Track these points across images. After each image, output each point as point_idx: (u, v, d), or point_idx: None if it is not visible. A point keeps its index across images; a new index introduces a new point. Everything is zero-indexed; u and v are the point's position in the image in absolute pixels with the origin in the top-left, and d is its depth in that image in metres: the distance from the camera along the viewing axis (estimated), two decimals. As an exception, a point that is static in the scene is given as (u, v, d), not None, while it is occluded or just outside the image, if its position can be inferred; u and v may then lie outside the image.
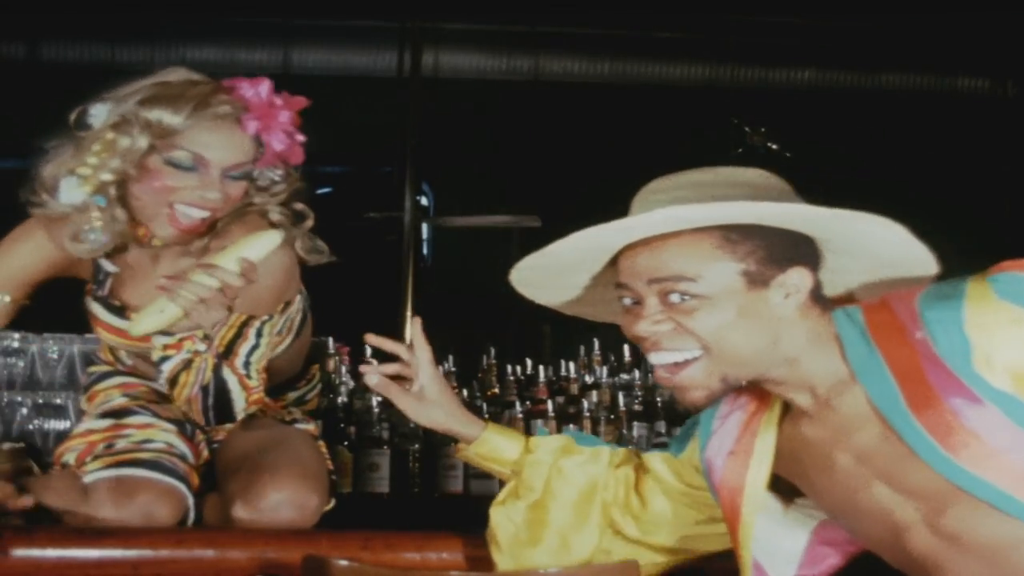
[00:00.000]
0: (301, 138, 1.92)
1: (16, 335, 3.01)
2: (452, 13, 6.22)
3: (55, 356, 3.00)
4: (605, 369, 3.76)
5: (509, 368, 3.76)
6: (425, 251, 7.16)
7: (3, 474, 1.94)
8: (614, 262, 1.54)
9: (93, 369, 2.22)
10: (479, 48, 6.77)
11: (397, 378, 1.75)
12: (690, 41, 6.82)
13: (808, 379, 1.46)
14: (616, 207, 1.57)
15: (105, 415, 2.00)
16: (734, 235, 1.43)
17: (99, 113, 1.84)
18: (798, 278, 1.45)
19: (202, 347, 1.85)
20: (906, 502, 1.41)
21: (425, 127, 5.80)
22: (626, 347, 3.82)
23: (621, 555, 1.65)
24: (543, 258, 1.56)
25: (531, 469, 1.71)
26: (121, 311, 2.00)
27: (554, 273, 1.60)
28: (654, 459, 1.72)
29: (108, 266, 1.98)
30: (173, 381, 1.88)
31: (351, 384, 3.53)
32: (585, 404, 3.48)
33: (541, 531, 1.67)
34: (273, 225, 1.95)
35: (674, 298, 1.43)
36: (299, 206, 2.01)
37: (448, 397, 1.76)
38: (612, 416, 3.49)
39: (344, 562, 1.56)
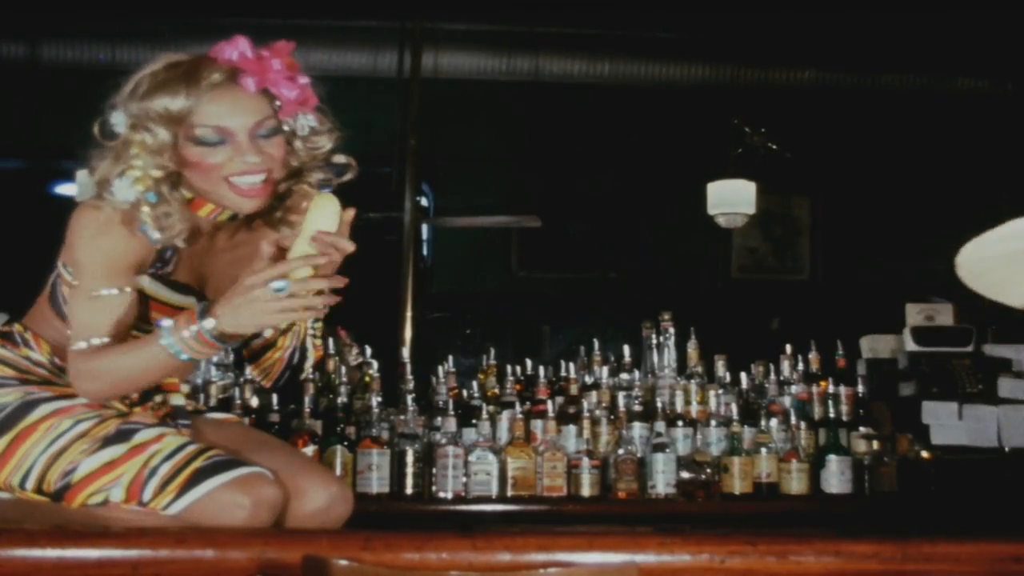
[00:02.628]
0: (305, 80, 1.90)
1: (16, 335, 3.00)
2: (452, 13, 6.21)
3: (55, 356, 2.99)
4: (605, 369, 3.76)
5: (509, 368, 3.76)
6: (425, 251, 7.16)
7: None
8: None
9: None
10: (479, 48, 6.77)
11: None
12: (690, 41, 6.82)
13: None
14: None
15: (107, 443, 1.87)
16: None
17: (118, 119, 1.85)
18: None
19: None
20: None
21: (425, 127, 5.80)
22: (626, 347, 3.83)
23: None
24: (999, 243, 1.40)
25: None
26: (184, 288, 1.95)
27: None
28: None
29: (179, 241, 1.92)
30: (269, 345, 1.96)
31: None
32: (585, 404, 3.49)
33: None
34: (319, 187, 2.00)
35: None
36: (341, 158, 2.00)
37: None
38: (612, 416, 3.50)
39: (344, 562, 1.55)
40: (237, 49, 1.87)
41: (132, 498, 1.84)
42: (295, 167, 1.94)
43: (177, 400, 2.05)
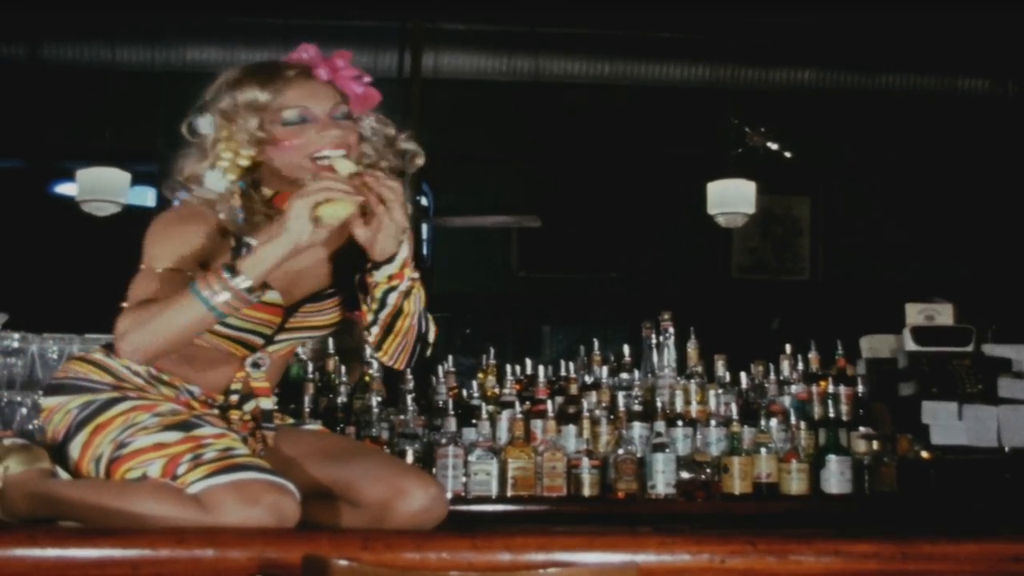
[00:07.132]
0: (368, 78, 2.07)
1: (16, 335, 3.00)
2: (452, 13, 6.22)
3: (55, 356, 2.99)
4: (605, 369, 3.76)
5: (509, 368, 3.76)
6: (425, 251, 7.17)
7: (46, 473, 1.94)
8: None
9: (85, 400, 1.98)
10: (479, 48, 6.78)
11: None
12: (690, 41, 6.83)
13: None
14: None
15: (168, 428, 1.91)
16: None
17: (204, 120, 2.01)
18: None
19: (416, 274, 2.01)
20: None
21: (425, 127, 5.80)
22: (625, 347, 3.83)
23: None
24: None
25: None
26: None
27: None
28: None
29: (251, 240, 2.00)
30: (397, 314, 2.00)
31: None
32: (585, 404, 3.49)
33: None
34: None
35: None
36: (409, 145, 2.11)
37: None
38: (612, 416, 3.50)
39: (344, 562, 1.55)
40: (306, 54, 2.05)
41: (167, 474, 1.86)
42: (366, 163, 2.04)
43: (266, 404, 2.09)
